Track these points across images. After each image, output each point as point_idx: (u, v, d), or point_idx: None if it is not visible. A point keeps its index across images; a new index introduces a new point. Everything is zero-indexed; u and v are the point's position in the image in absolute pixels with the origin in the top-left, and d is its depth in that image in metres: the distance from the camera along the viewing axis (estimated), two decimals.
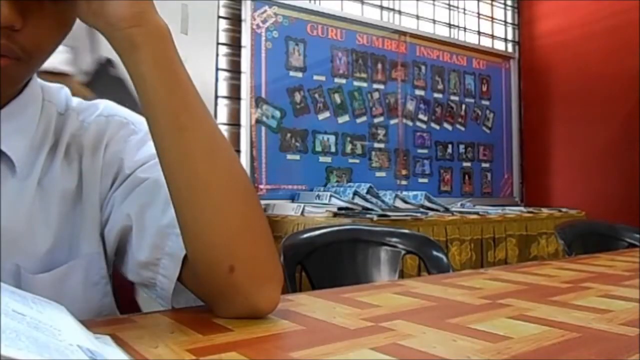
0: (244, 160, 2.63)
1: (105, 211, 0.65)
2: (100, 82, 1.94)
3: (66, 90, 0.68)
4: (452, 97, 3.46)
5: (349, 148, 2.98)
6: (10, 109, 0.60)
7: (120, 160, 0.65)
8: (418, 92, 3.29)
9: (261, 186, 2.67)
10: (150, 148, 0.65)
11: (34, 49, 0.54)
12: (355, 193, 2.49)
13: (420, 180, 3.28)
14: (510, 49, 3.85)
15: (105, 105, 0.69)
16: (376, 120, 3.10)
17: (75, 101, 0.68)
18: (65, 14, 0.55)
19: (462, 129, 3.51)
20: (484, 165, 3.63)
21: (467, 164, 3.53)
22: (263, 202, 2.54)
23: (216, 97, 2.60)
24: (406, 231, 1.35)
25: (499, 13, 3.85)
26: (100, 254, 0.65)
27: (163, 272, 0.60)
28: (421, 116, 3.30)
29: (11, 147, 0.59)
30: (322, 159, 2.88)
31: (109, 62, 1.97)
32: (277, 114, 2.75)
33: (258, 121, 2.68)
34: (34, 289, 0.54)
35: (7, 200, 0.58)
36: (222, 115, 2.65)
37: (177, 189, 0.54)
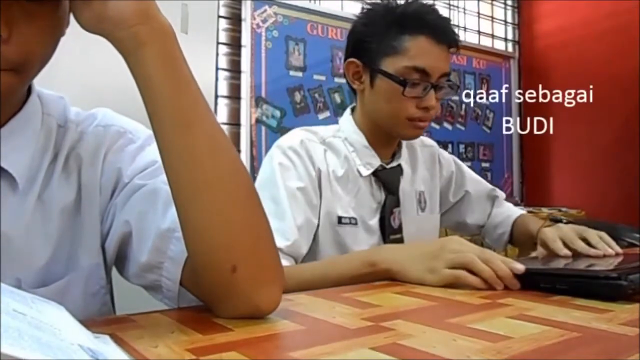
0: (244, 160, 2.63)
1: (106, 222, 0.64)
2: None
3: (65, 101, 0.68)
4: (452, 97, 3.45)
5: None
6: (10, 126, 0.59)
7: (118, 170, 0.65)
8: None
9: None
10: (147, 155, 0.65)
11: (25, 58, 0.52)
12: None
13: None
14: (510, 49, 3.85)
15: (104, 115, 0.69)
16: None
17: (74, 111, 0.68)
18: (54, 15, 0.53)
19: (462, 128, 3.50)
20: (483, 164, 3.62)
21: (467, 164, 3.50)
22: None
23: (216, 96, 2.60)
24: None
25: (499, 13, 3.84)
26: (100, 265, 0.65)
27: (166, 274, 0.60)
28: None
29: (13, 164, 0.58)
30: None
31: None
32: (277, 113, 2.75)
33: (258, 121, 2.68)
34: None
35: (9, 216, 0.58)
36: (222, 115, 2.65)
37: (181, 187, 0.54)
